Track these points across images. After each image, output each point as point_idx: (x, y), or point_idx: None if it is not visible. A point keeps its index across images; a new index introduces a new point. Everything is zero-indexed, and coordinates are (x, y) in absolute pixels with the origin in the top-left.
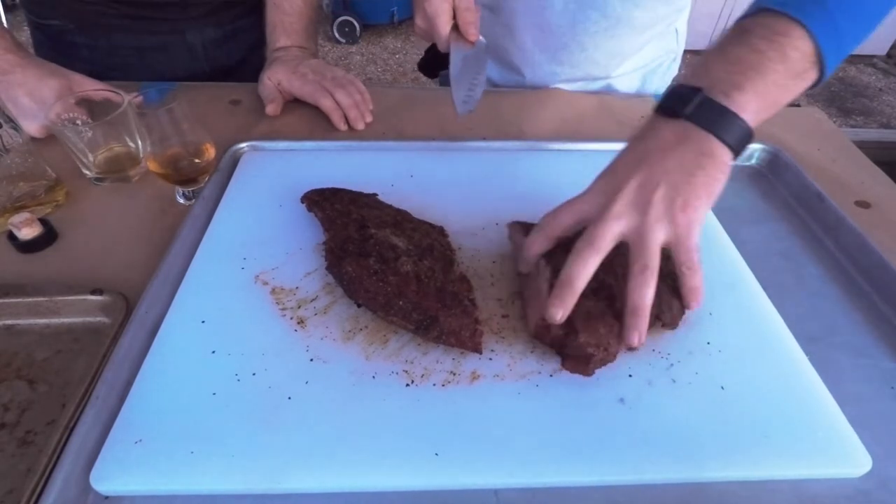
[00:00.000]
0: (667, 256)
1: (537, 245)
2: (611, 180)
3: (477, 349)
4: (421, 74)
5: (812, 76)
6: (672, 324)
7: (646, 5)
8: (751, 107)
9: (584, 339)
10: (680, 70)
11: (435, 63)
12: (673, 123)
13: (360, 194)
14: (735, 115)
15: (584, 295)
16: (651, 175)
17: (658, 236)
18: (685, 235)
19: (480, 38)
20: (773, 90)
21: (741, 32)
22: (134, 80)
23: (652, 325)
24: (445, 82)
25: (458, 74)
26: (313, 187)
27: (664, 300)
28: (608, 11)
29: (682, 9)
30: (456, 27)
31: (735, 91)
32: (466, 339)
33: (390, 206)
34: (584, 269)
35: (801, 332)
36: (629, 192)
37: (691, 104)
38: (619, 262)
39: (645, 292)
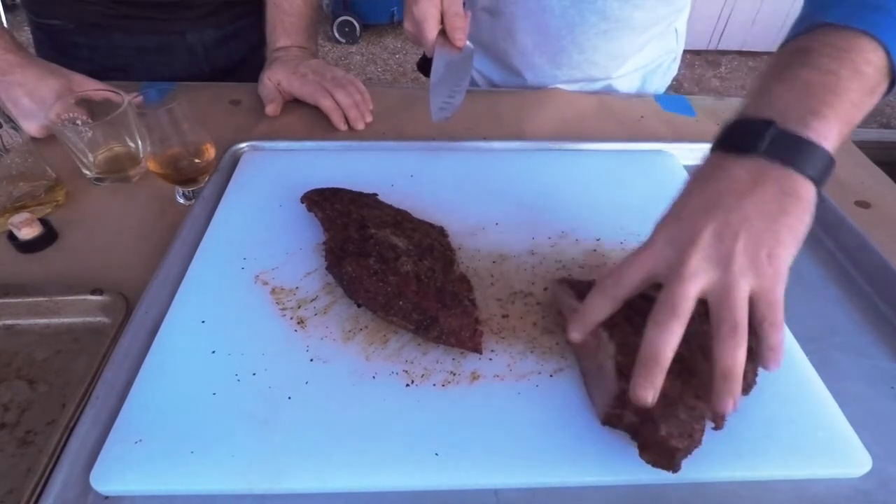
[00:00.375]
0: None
1: (599, 309)
2: (679, 230)
3: (477, 349)
4: (421, 74)
5: (883, 88)
6: (747, 388)
7: (645, 6)
8: (832, 133)
9: (666, 430)
10: (680, 70)
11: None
12: (745, 161)
13: (360, 194)
14: (816, 146)
15: None
16: (728, 223)
17: (744, 292)
18: (770, 289)
19: (468, 43)
20: (850, 111)
21: (803, 53)
22: (134, 80)
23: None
24: None
25: (438, 80)
26: (313, 187)
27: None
28: (607, 14)
29: (682, 9)
30: (444, 32)
31: (813, 118)
32: (466, 340)
33: (390, 206)
34: (670, 339)
35: (801, 332)
36: (705, 244)
37: (764, 139)
38: (692, 330)
39: (737, 354)
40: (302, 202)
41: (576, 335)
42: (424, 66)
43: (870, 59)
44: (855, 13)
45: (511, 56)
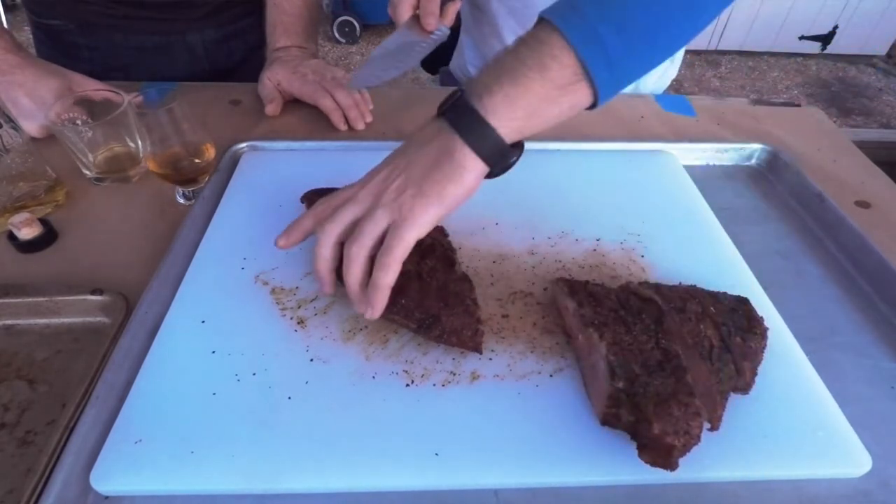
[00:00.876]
0: (722, 323)
1: (302, 229)
2: (372, 171)
3: (478, 349)
4: (421, 74)
5: (583, 91)
6: (746, 388)
7: None
8: (501, 113)
9: (660, 428)
10: (679, 70)
11: (435, 58)
12: (434, 121)
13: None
14: (481, 118)
15: (649, 371)
16: (397, 166)
17: (381, 220)
18: (398, 226)
19: (439, 29)
20: (529, 99)
21: (519, 39)
22: (134, 80)
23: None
24: (445, 80)
25: (382, 54)
26: (313, 186)
27: (737, 365)
28: None
29: None
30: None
31: (486, 95)
32: (468, 339)
33: None
34: (327, 244)
35: (801, 332)
36: (378, 179)
37: (449, 103)
38: (688, 329)
39: (351, 268)
40: (302, 202)
41: (283, 242)
42: (425, 61)
43: (556, 55)
44: (559, 9)
45: (497, 51)
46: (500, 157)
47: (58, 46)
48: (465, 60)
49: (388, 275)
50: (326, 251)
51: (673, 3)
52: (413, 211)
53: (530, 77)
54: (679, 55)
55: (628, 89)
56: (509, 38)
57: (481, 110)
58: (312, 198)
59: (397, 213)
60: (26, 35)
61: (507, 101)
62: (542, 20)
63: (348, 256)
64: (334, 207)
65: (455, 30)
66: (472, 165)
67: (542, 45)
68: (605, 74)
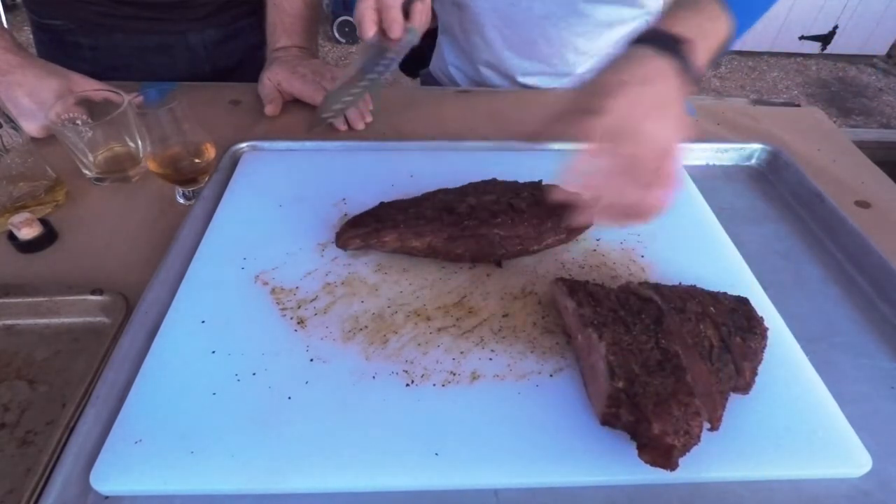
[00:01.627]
0: (722, 323)
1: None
2: (610, 132)
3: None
4: (420, 75)
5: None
6: (746, 388)
7: (610, 7)
8: (700, 58)
9: (660, 428)
10: None
11: (414, 61)
12: (658, 60)
13: (378, 212)
14: (696, 69)
15: (649, 371)
16: (651, 96)
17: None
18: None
19: (409, 32)
20: (710, 46)
21: (697, 6)
22: (135, 80)
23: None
24: (426, 81)
25: (350, 76)
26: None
27: (737, 365)
28: (577, 9)
29: (652, 13)
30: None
31: (694, 52)
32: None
33: (409, 199)
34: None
35: (801, 332)
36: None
37: (678, 49)
38: (688, 329)
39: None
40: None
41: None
42: (405, 64)
43: (724, 34)
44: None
45: (480, 49)
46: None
47: (58, 46)
48: (446, 61)
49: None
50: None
51: None
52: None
53: (711, 36)
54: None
55: None
56: (492, 35)
57: (697, 64)
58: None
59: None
60: (26, 35)
61: (702, 51)
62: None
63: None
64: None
65: (433, 31)
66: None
67: (717, 20)
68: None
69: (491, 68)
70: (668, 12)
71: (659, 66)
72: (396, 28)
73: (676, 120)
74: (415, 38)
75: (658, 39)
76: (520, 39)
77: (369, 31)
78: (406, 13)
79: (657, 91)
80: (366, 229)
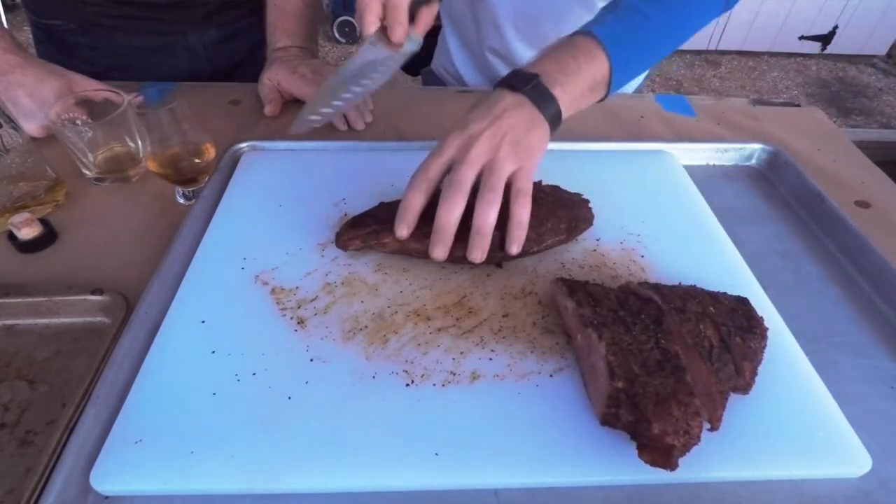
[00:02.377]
0: (722, 323)
1: (415, 203)
2: (466, 133)
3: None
4: (421, 74)
5: (602, 93)
6: (746, 388)
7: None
8: (564, 100)
9: (660, 428)
10: (679, 70)
11: (417, 60)
12: (513, 95)
13: (378, 213)
14: (556, 102)
15: (648, 371)
16: (499, 126)
17: (507, 170)
18: (525, 168)
19: (410, 40)
20: (577, 94)
21: (572, 46)
22: (135, 80)
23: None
24: (428, 80)
25: (336, 82)
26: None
27: (737, 365)
28: (591, 6)
29: None
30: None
31: (558, 86)
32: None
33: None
34: (454, 210)
35: (801, 332)
36: (484, 138)
37: (530, 84)
38: (688, 329)
39: (490, 213)
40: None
41: (403, 231)
42: (407, 63)
43: (603, 72)
44: (609, 38)
45: (491, 38)
46: (557, 126)
47: (58, 46)
48: (451, 55)
49: (526, 209)
50: (456, 217)
51: (674, 30)
52: (531, 157)
53: (584, 80)
54: None
55: (627, 88)
56: (505, 27)
57: (556, 95)
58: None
59: (519, 159)
60: (26, 35)
61: (568, 94)
62: (595, 39)
63: (488, 193)
64: (441, 166)
65: (435, 30)
66: (547, 130)
67: (596, 61)
68: (616, 87)
69: (498, 56)
70: (536, 55)
71: (508, 102)
72: (399, 31)
73: (515, 143)
74: (415, 47)
75: (511, 78)
76: (533, 33)
77: (371, 26)
78: (412, 17)
79: (506, 122)
80: (366, 230)
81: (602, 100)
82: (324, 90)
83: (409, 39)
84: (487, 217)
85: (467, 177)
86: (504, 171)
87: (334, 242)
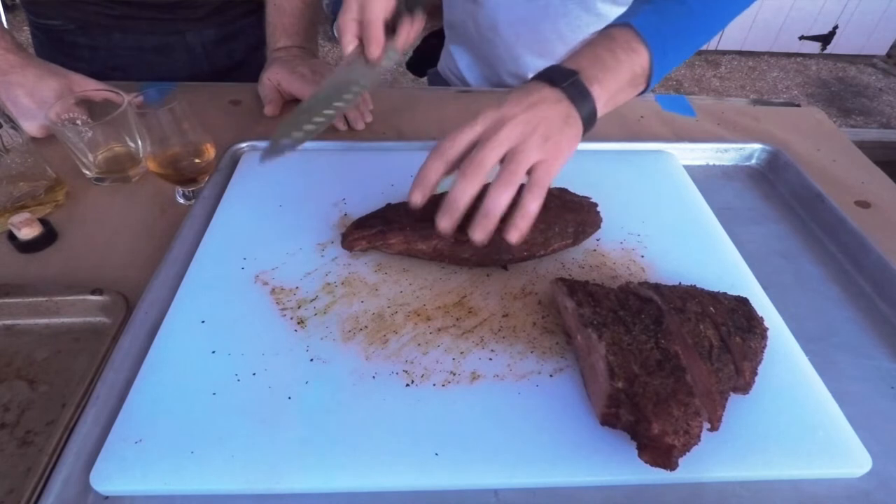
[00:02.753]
0: (722, 323)
1: (435, 170)
2: (501, 113)
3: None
4: (427, 75)
5: (642, 87)
6: (746, 387)
7: (626, 4)
8: (602, 97)
9: (659, 428)
10: (679, 70)
11: (423, 61)
12: (551, 89)
13: (385, 213)
14: (593, 100)
15: (648, 371)
16: (533, 115)
17: (531, 158)
18: (549, 162)
19: (388, 56)
20: (615, 90)
21: (609, 39)
22: (134, 80)
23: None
24: (434, 80)
25: (311, 105)
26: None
27: (737, 365)
28: (589, 7)
29: None
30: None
31: (596, 84)
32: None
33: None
34: (469, 188)
35: (801, 332)
36: (516, 122)
37: (569, 81)
38: (688, 329)
39: (503, 196)
40: (350, 249)
41: (417, 197)
42: (413, 64)
43: (643, 64)
44: (648, 28)
45: (495, 45)
46: (592, 124)
47: (57, 46)
48: (457, 64)
49: (538, 202)
50: (471, 196)
51: (713, 17)
52: (558, 154)
53: (624, 77)
54: None
55: None
56: (506, 32)
57: (594, 93)
58: (353, 233)
59: (546, 152)
60: (26, 35)
61: (608, 91)
62: (633, 30)
63: (508, 175)
64: (469, 140)
65: (440, 31)
66: (580, 128)
67: (635, 53)
68: (656, 79)
69: (501, 62)
70: (574, 49)
71: (546, 94)
72: (374, 48)
73: (546, 136)
74: (392, 63)
75: (551, 73)
76: (534, 37)
77: (349, 45)
78: (394, 29)
79: (540, 113)
80: (372, 231)
81: (643, 92)
82: (297, 112)
83: (387, 56)
84: (500, 199)
85: (490, 157)
86: (528, 159)
87: (338, 243)
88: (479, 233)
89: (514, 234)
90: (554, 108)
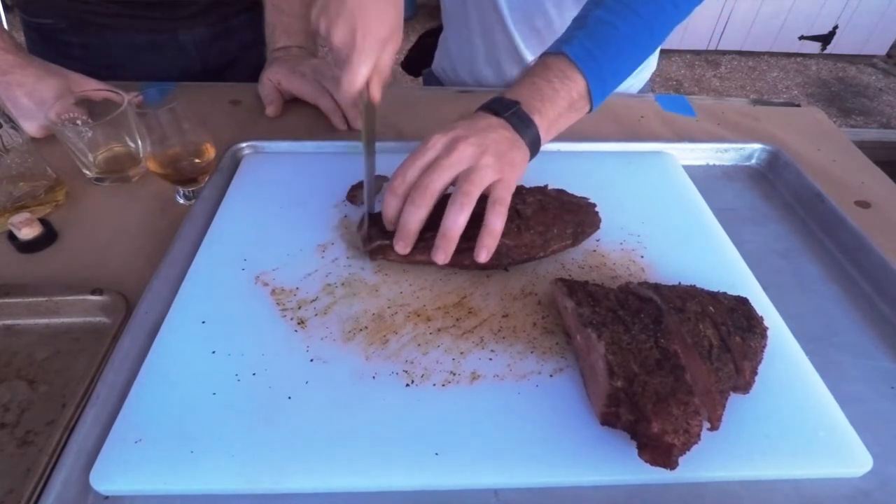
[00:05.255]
0: (722, 323)
1: (393, 206)
2: (448, 137)
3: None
4: (422, 74)
5: (585, 110)
6: (746, 387)
7: None
8: (543, 125)
9: (659, 427)
10: (679, 70)
11: (418, 61)
12: (497, 118)
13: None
14: (536, 128)
15: (648, 370)
16: (483, 140)
17: (487, 178)
18: (506, 181)
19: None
20: (555, 117)
21: (545, 68)
22: (128, 79)
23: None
24: (428, 80)
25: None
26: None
27: (737, 364)
28: None
29: None
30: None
31: (536, 112)
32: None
33: None
34: (419, 211)
35: (801, 332)
36: (467, 144)
37: (510, 111)
38: (687, 329)
39: (460, 217)
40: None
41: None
42: (408, 64)
43: (580, 91)
44: (580, 55)
45: (500, 48)
46: (536, 151)
47: (50, 45)
48: (453, 62)
49: (502, 220)
50: (421, 219)
51: (644, 36)
52: (512, 171)
53: (561, 102)
54: (655, 54)
55: (623, 87)
56: (510, 32)
57: (535, 121)
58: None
59: (501, 171)
60: (23, 35)
61: (546, 118)
62: (567, 58)
63: (462, 197)
64: (421, 169)
65: (436, 30)
66: (527, 154)
67: (569, 80)
68: (598, 98)
69: (502, 50)
70: (515, 79)
71: (492, 122)
72: (360, 123)
73: (498, 155)
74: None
75: (493, 104)
76: (532, 21)
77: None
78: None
79: (490, 136)
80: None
81: (589, 112)
82: (366, 182)
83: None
84: (457, 220)
85: (438, 181)
86: (484, 179)
87: (361, 248)
88: (440, 254)
89: (483, 253)
90: (500, 132)
